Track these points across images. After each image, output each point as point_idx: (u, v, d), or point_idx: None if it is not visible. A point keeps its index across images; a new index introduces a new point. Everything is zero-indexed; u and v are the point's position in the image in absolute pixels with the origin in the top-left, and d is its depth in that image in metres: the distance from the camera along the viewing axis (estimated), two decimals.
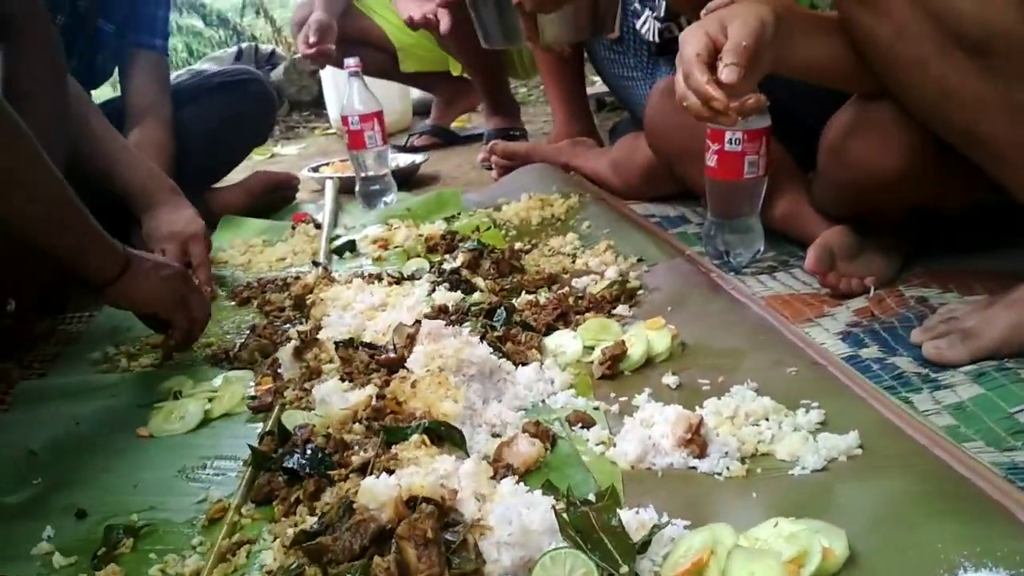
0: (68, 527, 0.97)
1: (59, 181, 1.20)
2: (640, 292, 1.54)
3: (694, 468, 1.00)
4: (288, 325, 1.48)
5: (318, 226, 2.14)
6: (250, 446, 1.05)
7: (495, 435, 1.09)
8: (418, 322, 1.26)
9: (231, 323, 1.59)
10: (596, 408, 1.16)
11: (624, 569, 0.76)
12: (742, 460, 1.00)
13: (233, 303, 1.70)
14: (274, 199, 2.44)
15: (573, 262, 1.74)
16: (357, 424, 1.04)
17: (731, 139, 1.49)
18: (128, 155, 1.80)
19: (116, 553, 0.90)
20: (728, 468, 0.99)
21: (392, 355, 1.19)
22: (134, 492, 1.03)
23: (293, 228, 2.15)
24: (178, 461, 1.09)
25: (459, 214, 2.15)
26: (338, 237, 2.05)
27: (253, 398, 1.24)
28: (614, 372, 1.25)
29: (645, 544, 0.81)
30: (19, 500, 1.03)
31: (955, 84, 1.16)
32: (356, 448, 0.97)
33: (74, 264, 1.24)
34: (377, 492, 0.80)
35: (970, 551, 0.79)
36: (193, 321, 1.39)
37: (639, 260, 1.70)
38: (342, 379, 1.15)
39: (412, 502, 0.79)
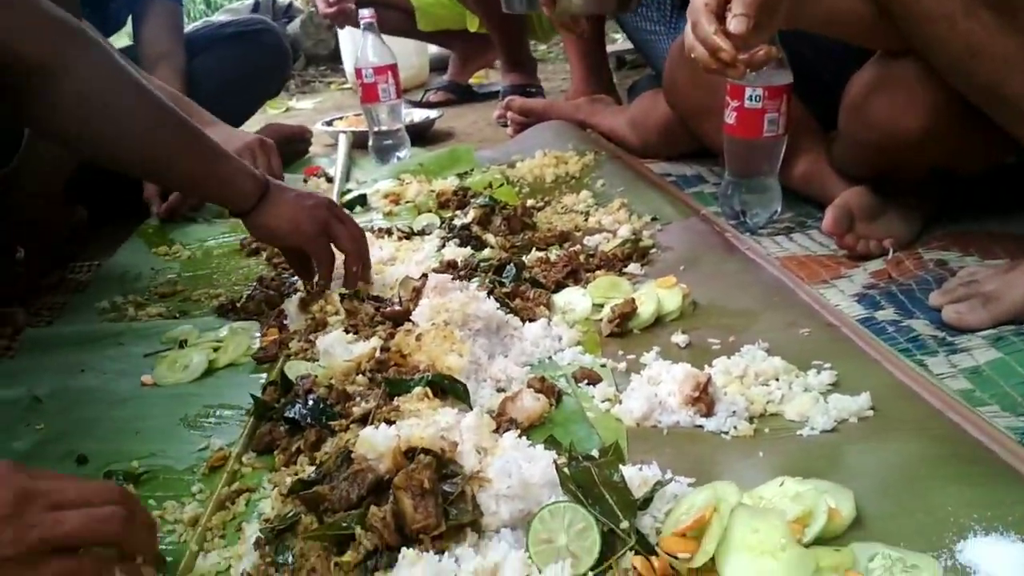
0: (69, 473, 0.96)
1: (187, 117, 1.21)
2: (653, 251, 1.52)
3: (700, 427, 0.98)
4: (295, 278, 1.46)
5: (330, 180, 2.13)
6: (252, 396, 1.05)
7: (500, 390, 1.07)
8: (424, 276, 1.24)
9: (239, 274, 1.58)
10: (603, 365, 1.14)
11: (624, 524, 0.75)
12: (750, 420, 0.98)
13: (242, 253, 1.69)
14: (286, 152, 2.41)
15: (586, 220, 1.71)
16: (360, 376, 1.03)
17: (751, 96, 1.45)
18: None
19: None
20: (735, 427, 0.97)
21: (397, 308, 1.17)
22: (136, 439, 1.03)
23: (305, 181, 2.13)
24: (181, 409, 1.09)
25: (472, 170, 2.12)
26: (350, 191, 2.03)
27: (259, 349, 1.22)
28: (623, 330, 1.23)
29: (647, 501, 0.80)
30: (23, 446, 1.02)
31: (981, 40, 1.12)
32: (358, 399, 0.96)
33: (216, 190, 1.25)
34: (376, 442, 0.79)
35: (981, 515, 0.77)
36: (346, 253, 1.30)
37: (653, 219, 1.67)
38: (347, 331, 1.14)
39: (411, 453, 0.78)
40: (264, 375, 1.16)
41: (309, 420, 0.95)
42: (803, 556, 0.71)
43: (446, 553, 0.70)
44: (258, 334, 1.29)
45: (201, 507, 0.88)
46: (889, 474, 0.86)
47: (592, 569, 0.71)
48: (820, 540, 0.76)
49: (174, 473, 0.96)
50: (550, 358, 1.18)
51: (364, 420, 0.91)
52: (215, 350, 1.23)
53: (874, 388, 1.00)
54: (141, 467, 0.96)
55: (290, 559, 0.71)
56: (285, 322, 1.29)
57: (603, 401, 1.05)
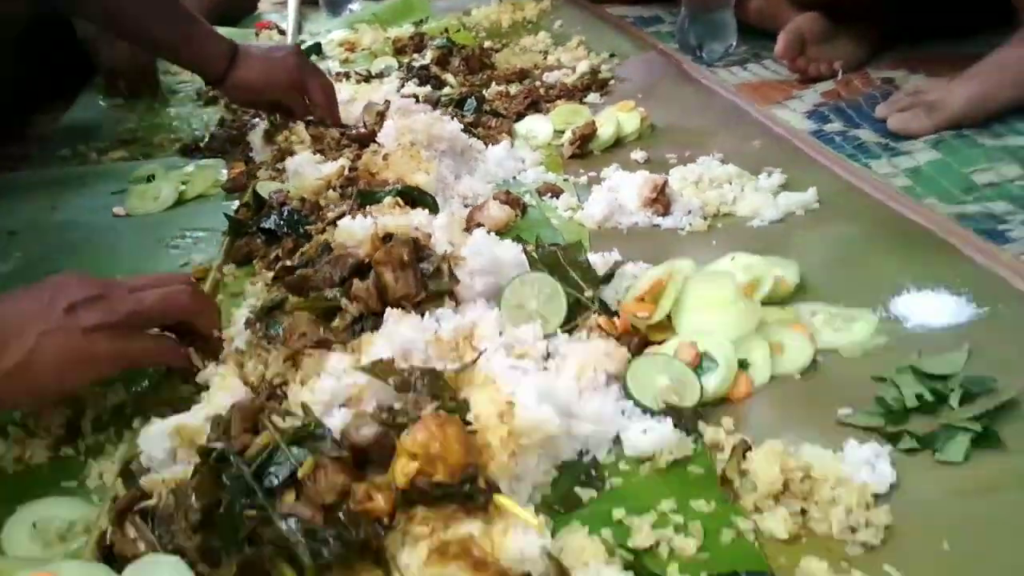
0: None
1: None
2: (611, 82, 1.54)
3: (657, 226, 1.04)
4: (256, 119, 1.47)
5: (282, 32, 2.09)
6: (226, 215, 1.08)
7: (467, 206, 1.11)
8: (388, 101, 1.26)
9: (198, 120, 1.58)
10: (565, 180, 1.19)
11: (588, 293, 0.81)
12: (704, 218, 1.04)
13: (200, 102, 1.67)
14: (234, 8, 2.35)
15: (544, 59, 1.72)
16: (331, 192, 1.06)
17: None
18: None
19: None
20: (690, 224, 1.03)
21: (363, 131, 1.19)
22: (116, 260, 1.05)
23: (256, 35, 2.09)
24: (157, 234, 1.12)
25: (427, 19, 2.10)
26: (303, 42, 2.00)
27: (227, 180, 1.24)
28: (584, 151, 1.27)
29: (609, 276, 0.85)
30: (6, 268, 1.05)
31: None
32: (331, 208, 0.99)
33: (193, 51, 1.25)
34: (353, 230, 0.83)
35: (914, 277, 0.85)
36: (318, 104, 1.29)
37: (611, 55, 1.69)
38: (314, 154, 1.16)
39: (388, 238, 0.82)
40: (235, 203, 1.18)
41: (285, 229, 0.98)
42: (751, 307, 0.78)
43: (427, 314, 0.75)
44: (224, 169, 1.30)
45: None
46: (832, 250, 0.93)
47: (560, 327, 0.77)
48: (767, 304, 0.83)
49: None
50: (514, 178, 1.21)
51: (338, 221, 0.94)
52: (183, 183, 1.25)
53: (821, 185, 1.06)
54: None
55: (280, 332, 0.76)
56: (251, 155, 1.31)
57: (566, 210, 1.10)
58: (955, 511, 0.59)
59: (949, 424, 0.65)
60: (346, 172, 1.09)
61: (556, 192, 1.14)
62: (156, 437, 0.68)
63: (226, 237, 1.07)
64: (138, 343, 0.73)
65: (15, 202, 1.28)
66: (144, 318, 0.74)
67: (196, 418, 0.67)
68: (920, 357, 0.73)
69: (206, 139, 1.41)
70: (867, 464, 0.62)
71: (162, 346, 0.77)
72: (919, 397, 0.69)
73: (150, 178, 1.26)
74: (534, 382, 0.66)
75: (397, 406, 0.61)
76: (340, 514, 0.55)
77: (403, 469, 0.56)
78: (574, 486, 0.65)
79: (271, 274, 0.90)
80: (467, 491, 0.56)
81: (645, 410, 0.69)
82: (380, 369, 0.66)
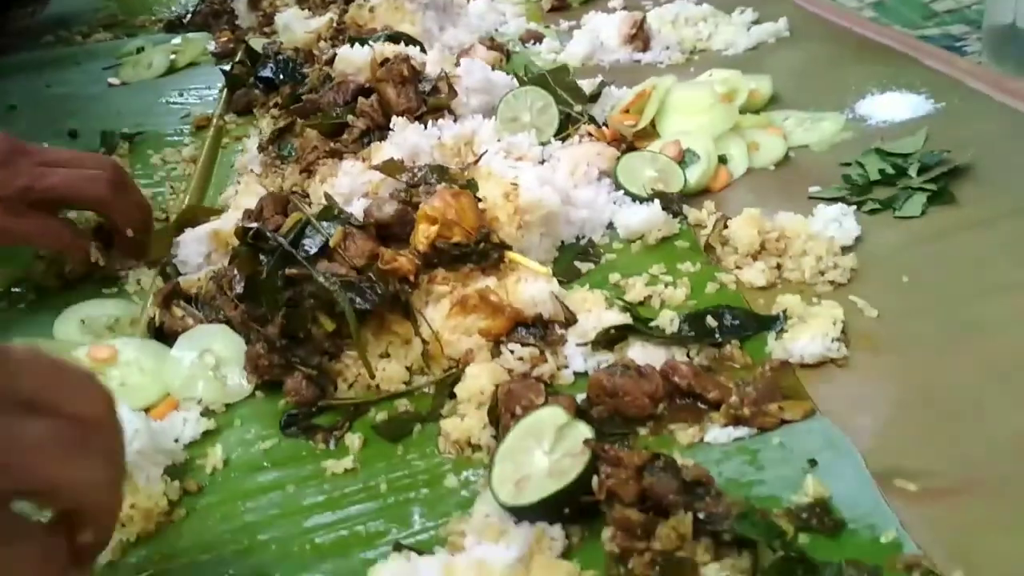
0: (63, 146, 1.03)
1: None
2: None
3: (638, 61, 1.09)
4: None
5: None
6: (222, 70, 1.11)
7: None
8: None
9: (179, 4, 1.58)
10: (547, 27, 1.23)
11: (578, 108, 0.87)
12: (682, 52, 1.09)
13: None
14: None
15: None
16: (322, 43, 1.10)
17: None
18: None
19: (116, 153, 0.98)
20: (669, 58, 1.08)
21: None
22: (119, 118, 1.09)
23: None
24: (156, 94, 1.15)
25: None
26: None
27: (216, 47, 1.27)
28: (563, 4, 1.31)
29: (596, 95, 0.91)
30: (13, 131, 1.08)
31: None
32: (325, 53, 1.03)
33: None
34: (353, 58, 0.88)
35: (878, 83, 0.91)
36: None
37: None
38: (301, 9, 1.19)
39: (385, 64, 0.87)
40: (227, 67, 1.21)
41: (281, 77, 1.02)
42: (728, 110, 0.84)
43: (430, 123, 0.80)
44: (212, 41, 1.33)
45: (197, 150, 0.97)
46: (801, 66, 0.99)
47: (554, 136, 0.83)
48: (743, 113, 0.89)
49: (164, 134, 1.04)
50: (496, 29, 1.25)
51: (333, 63, 0.98)
52: (173, 53, 1.27)
53: (791, 17, 1.11)
54: (133, 130, 1.03)
55: (292, 152, 0.82)
56: (237, 23, 1.33)
57: (549, 53, 1.15)
58: (913, 253, 0.67)
59: (908, 187, 0.73)
60: (335, 24, 1.12)
61: (538, 38, 1.19)
62: (192, 242, 0.74)
63: (224, 90, 1.10)
64: (23, 222, 0.68)
65: (8, 83, 1.30)
66: (40, 196, 0.68)
67: (229, 223, 0.73)
68: (883, 142, 0.79)
69: (188, 15, 1.42)
70: (835, 222, 0.70)
71: (50, 229, 0.70)
72: (881, 172, 0.76)
73: (139, 50, 1.28)
74: (534, 171, 0.72)
75: (416, 176, 0.67)
76: (370, 274, 0.61)
77: (424, 233, 0.63)
78: (573, 260, 0.72)
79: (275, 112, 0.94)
80: (482, 249, 0.63)
81: (634, 198, 0.76)
82: (391, 167, 0.72)
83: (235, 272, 0.64)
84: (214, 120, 1.03)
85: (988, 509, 0.46)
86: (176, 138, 1.03)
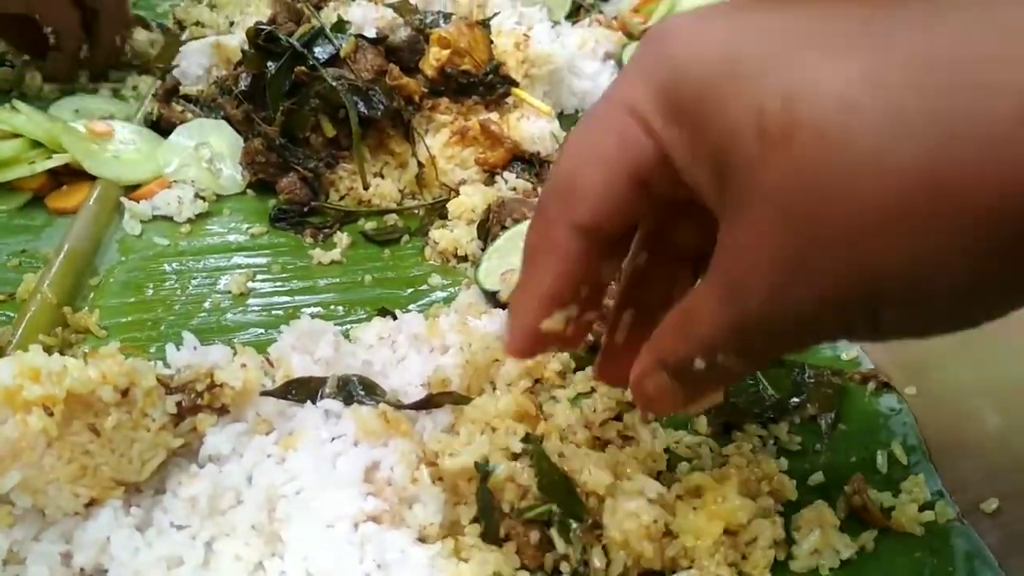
0: None
1: None
2: None
3: None
4: None
5: None
6: None
7: None
8: None
9: None
10: None
11: (589, 0, 0.88)
12: None
13: None
14: None
15: None
16: None
17: None
18: None
19: None
20: None
21: None
22: None
23: None
24: None
25: None
26: None
27: None
28: None
29: None
30: None
31: None
32: None
33: None
34: None
35: None
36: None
37: None
38: None
39: None
40: None
41: None
42: None
43: None
44: None
45: None
46: None
47: (565, 19, 0.85)
48: None
49: None
50: None
51: None
52: None
53: None
54: None
55: None
56: None
57: None
58: None
59: None
60: None
61: None
62: (194, 53, 0.74)
63: None
64: None
65: None
66: None
67: (234, 39, 0.73)
68: None
69: None
70: None
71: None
72: None
73: None
74: (546, 28, 0.73)
75: (428, 18, 0.68)
76: (377, 87, 0.62)
77: (435, 55, 0.64)
78: (572, 126, 0.73)
79: None
80: (490, 81, 0.64)
81: None
82: (405, 7, 0.73)
83: (241, 71, 0.64)
84: None
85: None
86: None
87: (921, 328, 0.25)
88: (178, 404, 0.38)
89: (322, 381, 0.41)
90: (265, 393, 0.41)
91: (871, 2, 0.23)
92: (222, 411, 0.40)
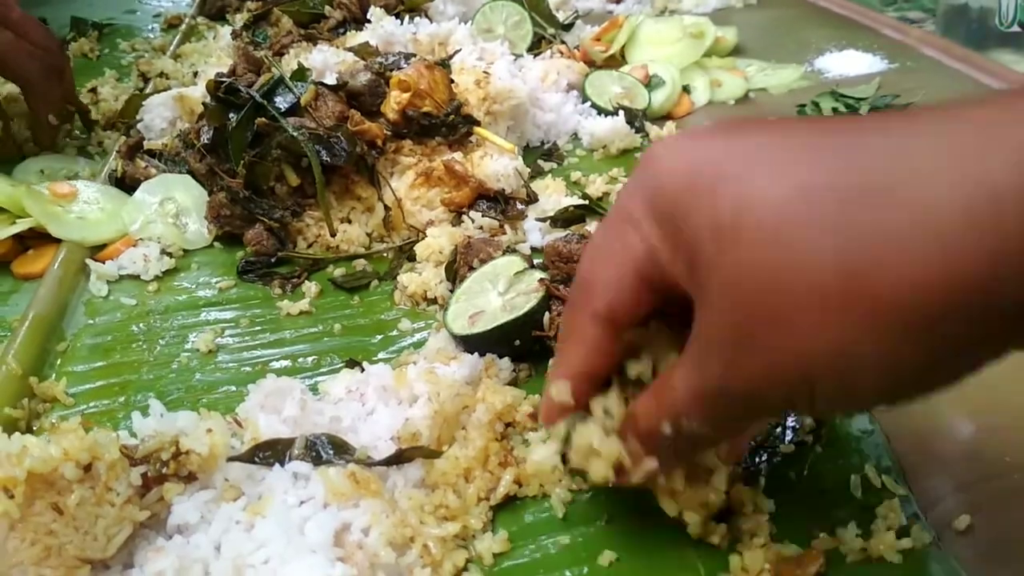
0: None
1: None
2: None
3: (611, 12, 1.12)
4: None
5: None
6: None
7: None
8: None
9: None
10: None
11: (551, 31, 0.89)
12: (652, 8, 1.13)
13: None
14: None
15: None
16: None
17: None
18: None
19: (85, 38, 0.97)
20: (641, 12, 1.11)
21: None
22: (90, 9, 1.08)
23: None
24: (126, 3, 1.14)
25: None
26: None
27: None
28: None
29: (570, 24, 0.94)
30: None
31: None
32: None
33: None
34: None
35: (837, 43, 0.96)
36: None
37: None
38: None
39: None
40: None
41: None
42: (695, 45, 0.88)
43: (407, 19, 0.82)
44: None
45: (166, 42, 0.96)
46: (766, 25, 1.03)
47: (527, 51, 0.85)
48: (708, 56, 0.92)
49: (135, 29, 1.03)
50: None
51: None
52: None
53: None
54: (105, 21, 1.02)
55: (266, 39, 0.82)
56: None
57: None
58: None
59: None
60: None
61: None
62: (157, 106, 0.74)
63: None
64: None
65: None
66: None
67: (197, 90, 0.73)
68: (838, 87, 0.83)
69: None
70: None
71: None
72: (834, 110, 0.79)
73: None
74: (507, 64, 0.74)
75: (388, 60, 0.68)
76: (339, 134, 0.62)
77: (395, 99, 0.64)
78: (537, 159, 0.73)
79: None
80: (451, 121, 0.65)
81: (600, 111, 0.78)
82: (365, 50, 0.73)
83: (203, 124, 0.64)
84: (185, 20, 1.02)
85: None
86: (147, 32, 1.02)
87: (857, 404, 0.30)
88: (143, 475, 0.38)
89: (290, 442, 0.41)
90: (232, 458, 0.40)
91: (818, 128, 0.29)
92: (189, 478, 0.39)
